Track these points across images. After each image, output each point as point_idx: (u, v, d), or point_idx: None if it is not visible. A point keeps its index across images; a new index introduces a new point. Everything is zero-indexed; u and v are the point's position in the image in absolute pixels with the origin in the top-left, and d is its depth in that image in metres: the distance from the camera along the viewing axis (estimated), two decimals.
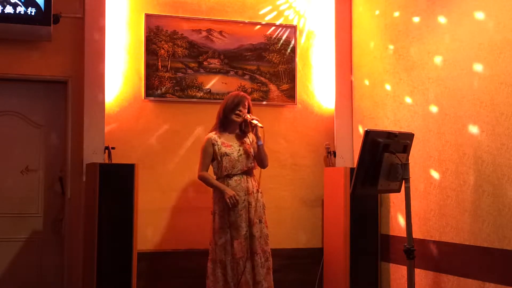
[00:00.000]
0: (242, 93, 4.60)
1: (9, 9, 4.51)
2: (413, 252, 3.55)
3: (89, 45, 4.78)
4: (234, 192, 4.32)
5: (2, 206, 4.73)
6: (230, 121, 4.45)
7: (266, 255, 4.41)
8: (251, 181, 4.44)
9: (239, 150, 4.43)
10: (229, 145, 4.43)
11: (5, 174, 4.76)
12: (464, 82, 4.07)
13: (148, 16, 4.99)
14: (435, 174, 4.33)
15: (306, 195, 5.34)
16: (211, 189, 4.46)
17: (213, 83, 5.13)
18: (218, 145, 4.41)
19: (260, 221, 4.43)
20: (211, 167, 4.49)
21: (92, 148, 4.72)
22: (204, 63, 5.12)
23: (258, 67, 5.25)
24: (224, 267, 4.32)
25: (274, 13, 5.33)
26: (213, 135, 4.46)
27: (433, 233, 4.33)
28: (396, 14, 4.82)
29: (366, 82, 5.20)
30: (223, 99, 5.07)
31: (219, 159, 4.40)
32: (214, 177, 4.46)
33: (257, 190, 4.45)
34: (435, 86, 4.36)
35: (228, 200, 4.29)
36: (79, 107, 4.79)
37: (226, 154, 4.40)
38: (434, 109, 4.36)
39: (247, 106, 4.48)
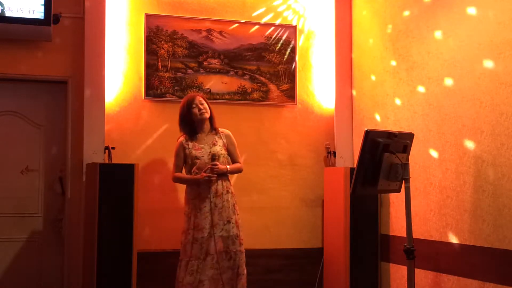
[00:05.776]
0: (191, 93, 4.70)
1: (9, 9, 4.50)
2: (413, 252, 3.55)
3: (89, 45, 4.78)
4: (202, 173, 4.33)
5: (2, 206, 4.73)
6: (193, 121, 4.45)
7: (230, 254, 4.36)
8: (221, 182, 4.40)
9: (210, 152, 4.43)
10: (199, 148, 4.45)
11: (5, 174, 4.76)
12: (464, 82, 4.07)
13: (148, 16, 4.99)
14: (435, 174, 4.33)
15: (306, 195, 5.34)
16: (184, 189, 4.49)
17: (213, 83, 5.13)
18: (189, 148, 4.44)
19: (229, 222, 4.38)
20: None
21: (92, 148, 4.72)
22: (204, 63, 5.12)
23: (258, 67, 5.25)
24: (185, 267, 4.32)
25: (274, 13, 5.33)
26: (184, 139, 4.48)
27: (433, 233, 4.33)
28: (396, 14, 4.82)
29: (366, 82, 5.20)
30: (223, 99, 5.10)
31: (190, 162, 4.44)
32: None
33: (227, 191, 4.43)
34: (435, 86, 4.36)
35: (206, 177, 4.30)
36: (79, 107, 4.79)
37: (197, 158, 4.41)
38: (434, 109, 4.36)
39: (202, 102, 4.48)
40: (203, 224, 4.31)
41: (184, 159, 4.47)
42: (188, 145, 4.45)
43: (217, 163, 4.36)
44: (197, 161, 4.40)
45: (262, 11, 5.31)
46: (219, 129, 4.56)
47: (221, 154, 4.45)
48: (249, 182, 5.12)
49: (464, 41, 4.08)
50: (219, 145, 4.48)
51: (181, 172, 4.50)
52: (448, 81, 4.22)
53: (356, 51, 5.36)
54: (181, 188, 5.01)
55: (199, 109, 4.43)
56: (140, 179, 4.52)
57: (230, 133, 4.60)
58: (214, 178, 4.33)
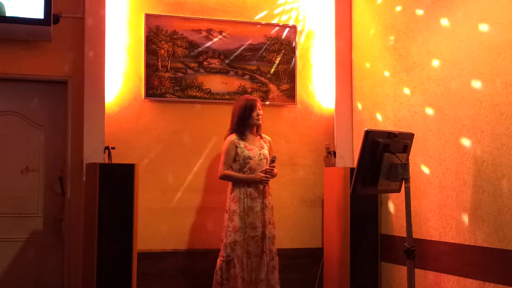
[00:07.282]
0: (251, 96, 4.85)
1: (9, 9, 4.50)
2: (413, 252, 3.55)
3: (89, 45, 4.78)
4: (260, 174, 4.52)
5: (2, 206, 4.73)
6: (248, 123, 4.62)
7: (272, 254, 4.57)
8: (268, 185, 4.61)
9: (260, 154, 4.60)
10: (251, 149, 4.59)
11: (5, 174, 4.76)
12: (464, 82, 4.07)
13: (148, 16, 4.99)
14: (435, 174, 4.33)
15: (306, 195, 5.34)
16: (229, 188, 4.59)
17: (213, 83, 5.13)
18: (241, 147, 4.57)
19: (270, 222, 4.58)
20: None
21: (92, 148, 4.72)
22: (204, 63, 5.12)
23: (258, 67, 5.25)
24: (240, 263, 4.46)
25: (274, 13, 5.33)
26: (235, 137, 4.60)
27: (433, 233, 4.33)
28: (396, 14, 4.82)
29: (366, 82, 5.20)
30: (223, 99, 5.10)
31: (242, 161, 4.55)
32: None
33: (269, 193, 4.61)
34: (435, 86, 4.36)
35: (264, 178, 4.50)
36: (79, 107, 4.79)
37: (250, 158, 4.55)
38: (434, 109, 4.36)
39: (261, 108, 4.70)
40: (257, 223, 4.50)
41: (234, 158, 4.57)
42: (239, 144, 4.58)
43: (274, 165, 4.58)
44: (250, 161, 4.54)
45: (262, 11, 5.30)
46: (261, 134, 4.76)
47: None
48: None
49: (464, 41, 4.08)
50: (266, 149, 4.67)
51: (229, 170, 4.60)
52: (448, 81, 4.22)
53: (356, 51, 5.36)
54: (181, 188, 5.02)
55: (258, 114, 4.64)
56: (140, 179, 4.52)
57: (271, 140, 4.81)
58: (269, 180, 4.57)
